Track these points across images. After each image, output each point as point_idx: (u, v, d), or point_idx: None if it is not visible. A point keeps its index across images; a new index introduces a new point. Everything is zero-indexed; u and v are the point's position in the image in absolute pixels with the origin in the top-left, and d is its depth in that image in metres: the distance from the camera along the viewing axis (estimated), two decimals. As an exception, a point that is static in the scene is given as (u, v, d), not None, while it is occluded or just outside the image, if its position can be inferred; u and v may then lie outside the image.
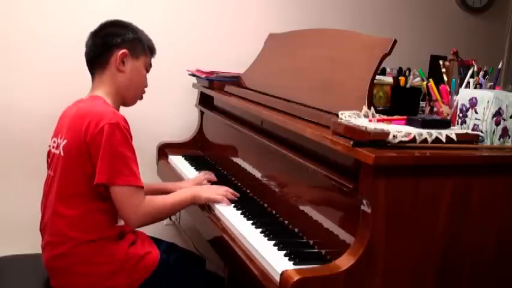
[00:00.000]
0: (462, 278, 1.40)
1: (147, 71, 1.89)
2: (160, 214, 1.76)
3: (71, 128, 1.68)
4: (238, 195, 1.91)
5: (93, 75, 1.83)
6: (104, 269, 1.66)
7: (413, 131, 1.36)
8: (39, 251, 1.77)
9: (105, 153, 1.60)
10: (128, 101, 1.88)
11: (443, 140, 1.38)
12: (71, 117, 1.71)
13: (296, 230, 1.67)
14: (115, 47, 1.78)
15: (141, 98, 1.91)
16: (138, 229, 1.84)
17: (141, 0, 2.68)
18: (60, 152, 1.69)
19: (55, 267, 1.70)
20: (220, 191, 1.89)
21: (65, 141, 1.68)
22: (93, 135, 1.61)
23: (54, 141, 1.75)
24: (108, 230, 1.69)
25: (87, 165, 1.63)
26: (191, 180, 2.12)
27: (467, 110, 1.52)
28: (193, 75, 2.62)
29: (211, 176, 2.11)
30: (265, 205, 1.89)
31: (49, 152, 1.79)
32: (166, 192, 2.05)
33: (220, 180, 2.10)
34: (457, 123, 1.55)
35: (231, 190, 1.91)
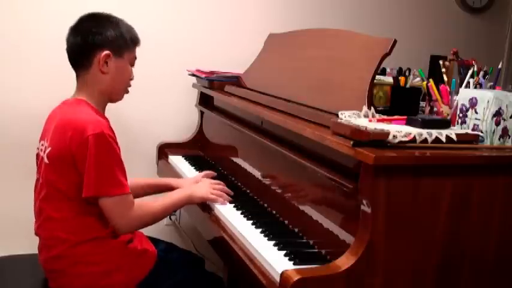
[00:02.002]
0: (462, 278, 1.40)
1: (132, 65, 1.82)
2: (151, 218, 1.75)
3: (55, 136, 1.67)
4: (232, 193, 1.92)
5: (77, 74, 1.78)
6: (101, 268, 1.66)
7: (413, 131, 1.36)
8: (37, 251, 1.77)
9: (91, 166, 1.58)
10: (114, 98, 1.82)
11: (443, 140, 1.38)
12: (56, 124, 1.69)
13: (296, 230, 1.67)
14: (96, 47, 1.71)
15: (127, 91, 1.85)
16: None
17: (141, 1, 2.68)
18: (45, 159, 1.68)
19: (52, 268, 1.70)
20: (214, 189, 1.89)
21: (50, 148, 1.67)
22: (77, 145, 1.59)
23: (42, 144, 1.74)
24: (102, 230, 1.68)
25: (73, 174, 1.62)
26: (190, 179, 2.12)
27: (467, 110, 1.52)
28: (193, 75, 2.62)
29: (212, 175, 2.12)
30: (265, 205, 1.89)
31: (37, 155, 1.77)
32: (161, 187, 2.05)
33: (220, 180, 2.09)
34: (457, 123, 1.55)
35: (226, 189, 1.92)
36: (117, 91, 1.81)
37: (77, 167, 1.61)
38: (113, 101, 1.84)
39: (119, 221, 1.65)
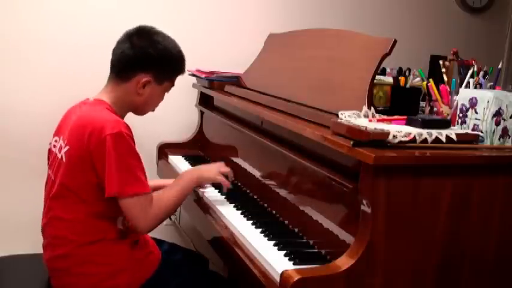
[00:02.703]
0: (462, 278, 1.40)
1: (167, 92, 1.83)
2: (169, 212, 1.74)
3: (73, 135, 1.65)
4: (231, 177, 1.94)
5: (111, 77, 1.76)
6: (106, 269, 1.66)
7: (413, 131, 1.36)
8: (39, 251, 1.77)
9: (111, 166, 1.57)
10: (138, 114, 1.85)
11: (443, 140, 1.38)
12: (74, 122, 1.67)
13: (296, 230, 1.67)
14: (142, 68, 1.71)
15: (153, 110, 1.87)
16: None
17: (141, 0, 2.67)
18: (62, 157, 1.67)
19: (56, 267, 1.70)
20: (218, 170, 1.90)
21: (67, 147, 1.65)
22: (95, 145, 1.58)
23: (55, 140, 1.73)
24: (108, 231, 1.67)
25: (90, 174, 1.61)
26: None
27: (467, 110, 1.52)
28: (193, 75, 2.62)
29: None
30: (265, 205, 1.89)
31: (50, 151, 1.77)
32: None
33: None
34: (457, 123, 1.55)
35: (223, 168, 1.93)
36: (144, 111, 1.84)
37: (95, 167, 1.60)
38: (136, 114, 1.85)
39: (141, 219, 1.63)
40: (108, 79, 1.77)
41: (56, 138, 1.74)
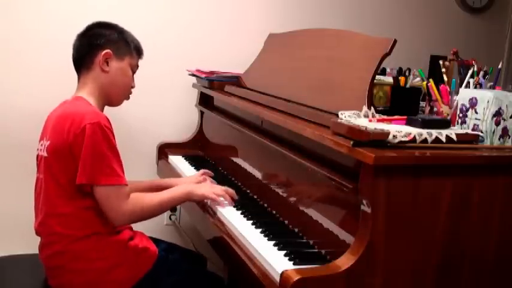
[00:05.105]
0: (462, 278, 1.40)
1: (134, 72, 1.89)
2: (147, 212, 1.75)
3: (54, 130, 1.69)
4: (236, 197, 1.89)
5: (79, 75, 1.84)
6: (101, 265, 1.67)
7: (413, 131, 1.36)
8: (37, 251, 1.77)
9: (86, 154, 1.61)
10: (113, 102, 1.88)
11: (443, 140, 1.38)
12: (55, 120, 1.72)
13: (296, 230, 1.67)
14: (99, 47, 1.79)
15: (127, 98, 1.91)
16: (137, 228, 1.85)
17: (142, 0, 2.67)
18: (44, 154, 1.69)
19: (52, 265, 1.70)
20: (216, 190, 1.88)
21: (49, 142, 1.69)
22: (75, 135, 1.62)
23: (41, 144, 1.76)
24: (102, 225, 1.68)
25: (71, 165, 1.63)
26: (190, 177, 2.12)
27: (467, 110, 1.52)
28: (193, 75, 2.62)
29: (209, 174, 2.11)
30: (265, 205, 1.89)
31: (37, 156, 1.78)
32: (164, 188, 2.06)
33: (220, 180, 2.10)
34: (457, 123, 1.55)
35: (230, 190, 1.89)
36: (117, 93, 1.86)
37: (74, 157, 1.62)
38: (112, 104, 1.89)
39: (112, 212, 1.65)
40: (78, 77, 1.85)
41: (42, 141, 1.76)
